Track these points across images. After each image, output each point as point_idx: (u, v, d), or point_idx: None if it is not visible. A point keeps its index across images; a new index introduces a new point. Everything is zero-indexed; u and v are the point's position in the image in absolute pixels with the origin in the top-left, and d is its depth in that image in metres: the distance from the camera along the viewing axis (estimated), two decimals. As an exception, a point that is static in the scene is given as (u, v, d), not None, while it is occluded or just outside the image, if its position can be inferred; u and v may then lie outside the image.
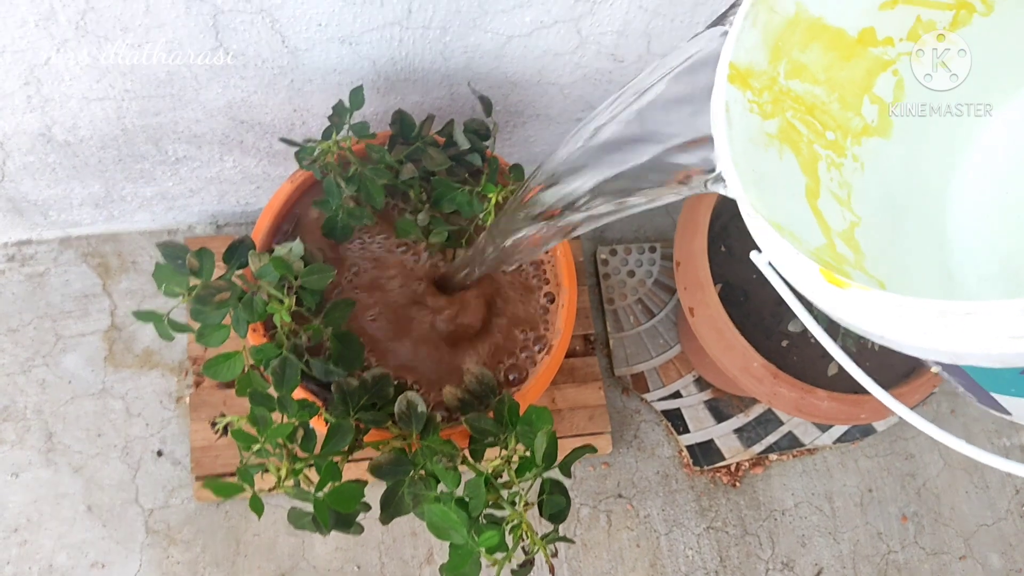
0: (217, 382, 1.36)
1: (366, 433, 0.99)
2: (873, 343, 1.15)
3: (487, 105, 1.11)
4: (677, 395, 1.48)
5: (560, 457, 0.94)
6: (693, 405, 1.48)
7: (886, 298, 0.52)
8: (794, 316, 1.13)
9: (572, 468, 1.28)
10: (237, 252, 1.02)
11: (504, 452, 0.88)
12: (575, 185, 0.81)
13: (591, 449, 0.98)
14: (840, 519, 1.47)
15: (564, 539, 0.90)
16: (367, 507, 0.93)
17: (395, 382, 0.99)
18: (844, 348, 1.13)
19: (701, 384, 1.49)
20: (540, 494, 0.92)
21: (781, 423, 1.48)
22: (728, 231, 1.31)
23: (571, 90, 1.22)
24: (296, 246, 1.05)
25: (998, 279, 0.68)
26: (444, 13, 1.01)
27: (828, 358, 1.24)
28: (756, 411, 1.48)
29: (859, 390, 1.19)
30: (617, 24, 1.08)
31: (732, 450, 1.46)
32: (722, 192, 0.63)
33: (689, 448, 1.45)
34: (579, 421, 1.40)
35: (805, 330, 1.16)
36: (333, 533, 1.28)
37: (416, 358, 1.08)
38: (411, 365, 1.08)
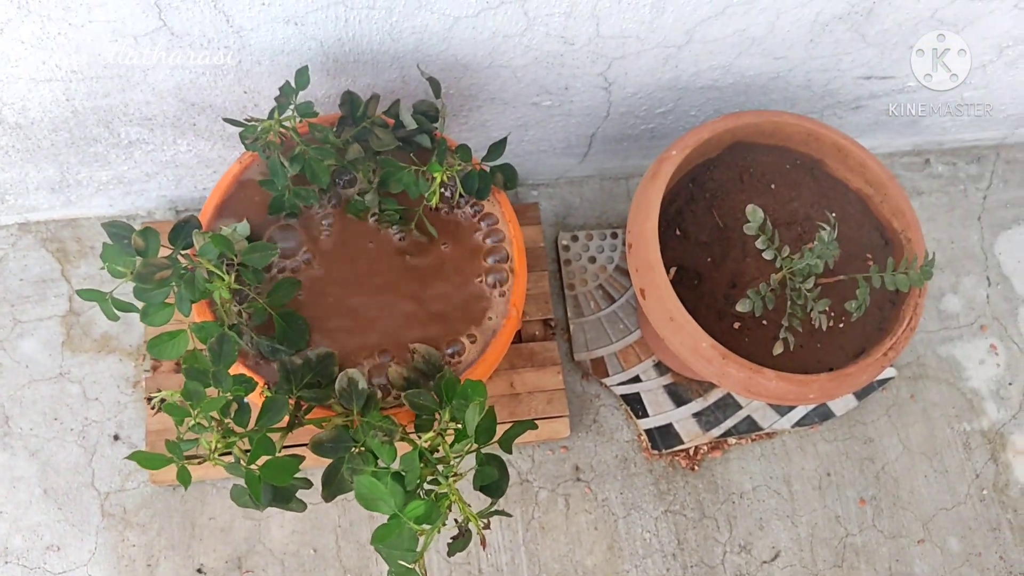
0: (174, 366, 1.36)
1: (309, 411, 0.99)
2: (822, 325, 1.16)
3: (436, 86, 1.12)
4: (637, 380, 1.48)
5: (516, 438, 0.95)
6: (652, 389, 1.48)
7: None
8: (743, 297, 1.13)
9: (531, 452, 1.29)
10: (183, 232, 1.02)
11: (438, 426, 0.89)
12: None
13: (531, 425, 0.98)
14: (798, 502, 1.48)
15: (501, 513, 0.91)
16: (307, 483, 0.94)
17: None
18: (791, 329, 1.14)
19: (661, 369, 1.49)
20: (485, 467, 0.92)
21: (740, 407, 1.49)
22: (683, 215, 1.31)
23: (524, 73, 1.22)
24: (242, 226, 1.05)
25: None
26: (387, -7, 1.01)
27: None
28: (715, 395, 1.49)
29: (808, 370, 1.20)
30: (564, 5, 1.09)
31: (691, 434, 1.46)
32: None
33: (648, 432, 1.46)
34: (537, 405, 1.40)
35: (760, 312, 1.16)
36: (289, 516, 1.29)
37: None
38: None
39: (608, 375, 1.48)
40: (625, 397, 1.48)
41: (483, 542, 0.83)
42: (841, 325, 1.27)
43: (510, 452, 0.97)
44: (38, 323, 1.39)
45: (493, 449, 0.95)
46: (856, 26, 1.25)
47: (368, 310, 1.10)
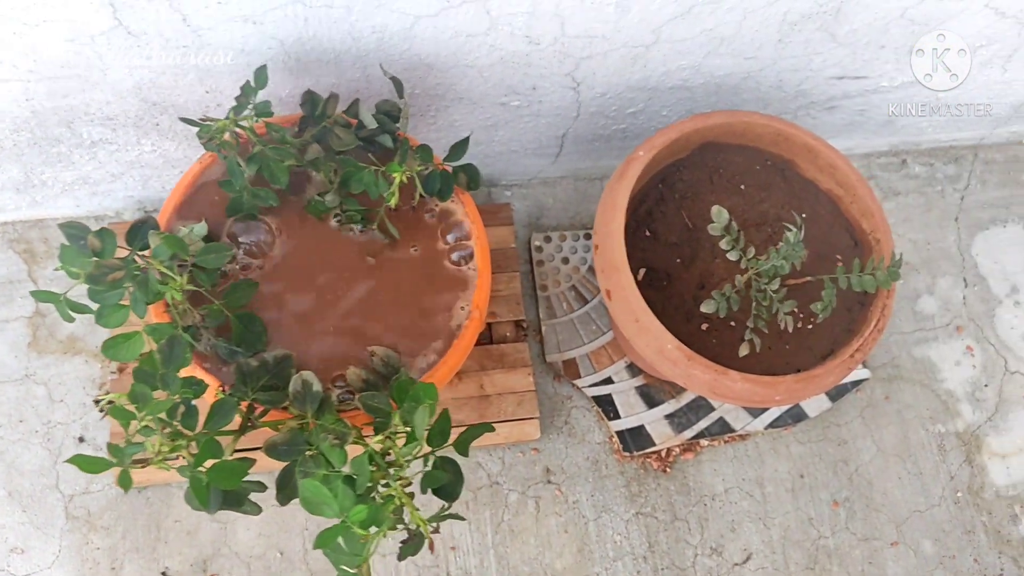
0: (141, 367, 1.35)
1: (265, 413, 0.99)
2: (788, 326, 1.15)
3: (398, 86, 1.11)
4: (608, 381, 1.47)
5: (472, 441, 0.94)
6: (624, 391, 1.47)
7: None
8: (708, 298, 1.13)
9: (502, 454, 1.28)
10: (140, 232, 1.01)
11: (389, 430, 0.88)
12: None
13: (488, 428, 0.97)
14: (771, 504, 1.47)
15: (453, 516, 0.90)
16: (260, 487, 0.93)
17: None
18: (756, 330, 1.13)
19: (633, 370, 1.49)
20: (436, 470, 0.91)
21: (712, 409, 1.48)
22: (652, 216, 1.31)
23: (490, 73, 1.21)
24: (199, 227, 1.04)
25: None
26: (344, -9, 1.00)
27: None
28: (687, 397, 1.48)
29: (774, 371, 1.19)
30: (527, 5, 1.08)
31: (663, 436, 1.45)
32: None
33: (619, 434, 1.45)
34: (507, 407, 1.39)
35: (725, 313, 1.15)
36: (256, 519, 1.28)
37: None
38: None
39: (580, 376, 1.48)
40: (597, 399, 1.47)
41: (431, 546, 0.83)
42: (810, 326, 1.26)
43: (466, 455, 0.96)
44: (4, 324, 1.38)
45: (449, 452, 0.94)
46: (825, 26, 1.24)
47: (328, 311, 1.09)
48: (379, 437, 0.86)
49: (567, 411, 1.47)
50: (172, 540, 1.31)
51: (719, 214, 1.14)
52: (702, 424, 1.47)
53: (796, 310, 1.24)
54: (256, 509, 0.93)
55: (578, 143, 1.47)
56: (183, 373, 1.02)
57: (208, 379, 1.01)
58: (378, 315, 1.09)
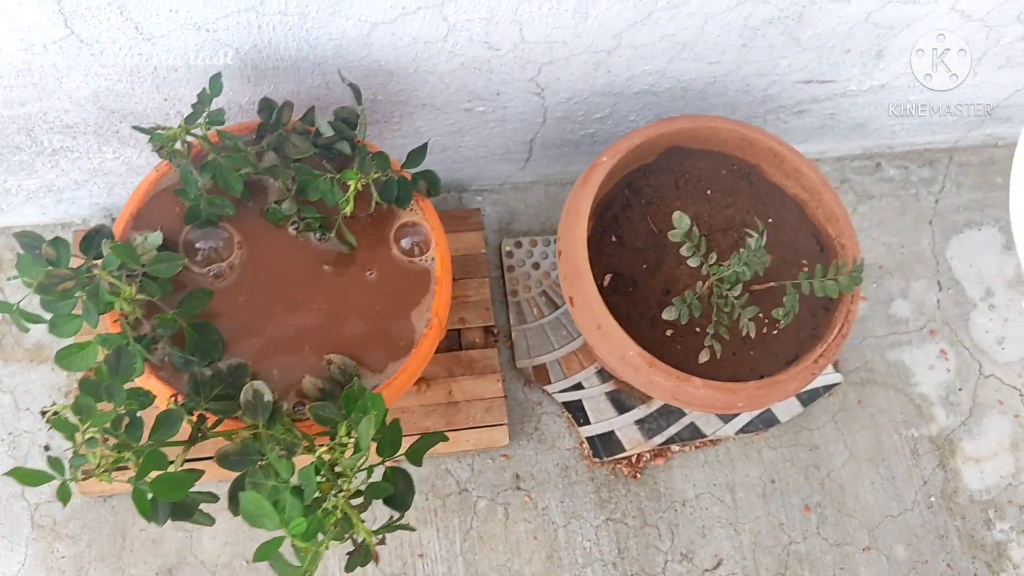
0: (107, 375, 1.35)
1: (219, 423, 0.98)
2: (750, 332, 1.15)
3: (357, 93, 1.11)
4: (579, 387, 1.47)
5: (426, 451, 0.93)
6: (595, 396, 1.47)
7: None
8: (669, 304, 1.12)
9: (471, 461, 1.28)
10: (94, 241, 1.01)
11: (336, 440, 0.87)
12: None
13: (441, 437, 0.97)
14: (742, 510, 1.46)
15: (403, 527, 0.89)
16: (212, 497, 0.93)
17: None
18: (717, 336, 1.12)
19: (603, 376, 1.48)
20: (384, 481, 0.91)
21: (683, 414, 1.48)
22: (619, 221, 1.30)
23: (451, 79, 1.21)
24: (153, 236, 1.04)
25: None
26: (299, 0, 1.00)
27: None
28: (658, 402, 1.47)
29: (739, 377, 1.19)
30: (483, 11, 1.07)
31: (633, 441, 1.45)
32: None
33: (589, 440, 1.45)
34: (476, 413, 1.39)
35: (687, 321, 1.15)
36: (222, 527, 1.28)
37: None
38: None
39: (550, 382, 1.47)
40: (567, 404, 1.46)
41: (375, 558, 0.82)
42: (775, 332, 1.26)
43: (419, 464, 0.95)
44: (-30, 332, 1.38)
45: (406, 462, 0.94)
46: (788, 30, 1.23)
47: (286, 320, 1.08)
48: (323, 448, 0.85)
49: (537, 417, 1.47)
50: (137, 549, 1.31)
51: (680, 220, 1.14)
52: (673, 429, 1.46)
53: (761, 316, 1.23)
54: (209, 520, 0.93)
55: (547, 148, 1.47)
56: (138, 383, 1.02)
57: (163, 389, 1.01)
58: (337, 323, 1.09)
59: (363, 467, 0.84)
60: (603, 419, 1.46)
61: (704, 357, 1.14)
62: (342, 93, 1.20)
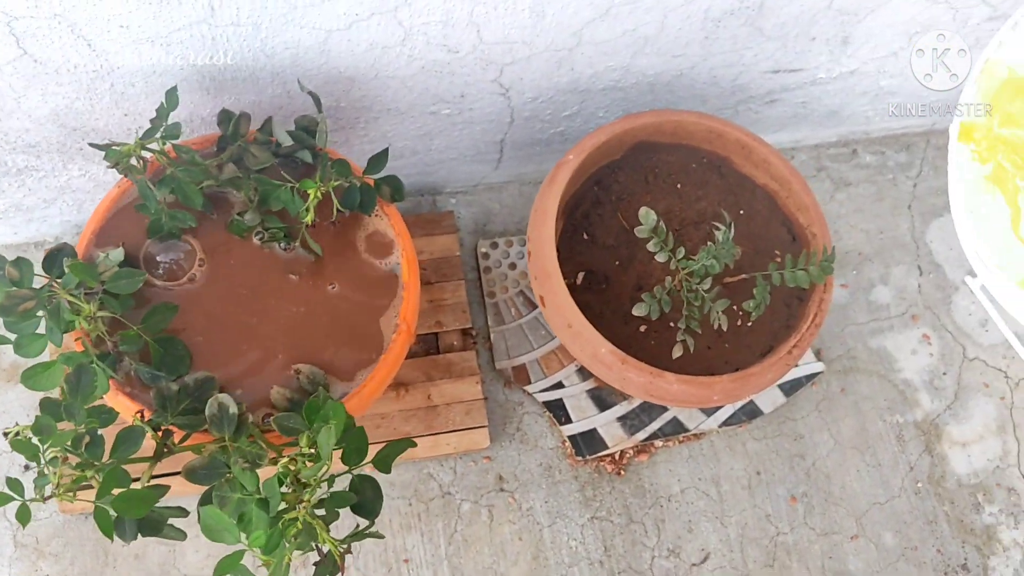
0: (84, 393, 1.35)
1: (187, 438, 0.98)
2: (722, 325, 1.14)
3: (316, 101, 1.11)
4: (559, 385, 1.47)
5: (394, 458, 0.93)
6: (575, 395, 1.46)
7: None
8: (639, 301, 1.12)
9: (453, 464, 1.27)
10: (56, 260, 1.01)
11: (297, 451, 0.87)
12: None
13: (409, 443, 0.97)
14: (727, 503, 1.46)
15: (372, 535, 0.89)
16: (181, 512, 0.92)
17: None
18: (689, 331, 1.12)
19: (583, 374, 1.48)
20: (350, 491, 0.91)
21: (665, 409, 1.47)
22: (589, 219, 1.30)
23: (413, 83, 1.21)
24: (115, 252, 1.04)
25: None
26: (250, 9, 0.99)
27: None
28: (639, 399, 1.47)
29: (714, 371, 1.18)
30: (439, 14, 1.07)
31: (615, 438, 1.44)
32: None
33: (572, 438, 1.44)
34: (456, 416, 1.39)
35: (659, 316, 1.15)
36: (205, 540, 1.27)
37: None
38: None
39: (530, 382, 1.47)
40: (548, 404, 1.46)
41: (341, 568, 0.82)
42: (749, 324, 1.25)
43: (388, 471, 0.95)
44: (-53, 355, 1.38)
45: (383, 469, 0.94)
46: (750, 20, 1.23)
47: (254, 331, 1.08)
48: (285, 459, 0.85)
49: (519, 417, 1.47)
50: (120, 565, 1.31)
51: (647, 216, 1.13)
52: (655, 425, 1.46)
53: (735, 308, 1.23)
54: (180, 534, 0.93)
55: (518, 148, 1.47)
56: (107, 399, 1.01)
57: (130, 405, 1.01)
58: (305, 332, 1.09)
59: (325, 477, 0.84)
60: (585, 417, 1.45)
61: (677, 352, 1.14)
62: (304, 101, 1.19)
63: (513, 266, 1.53)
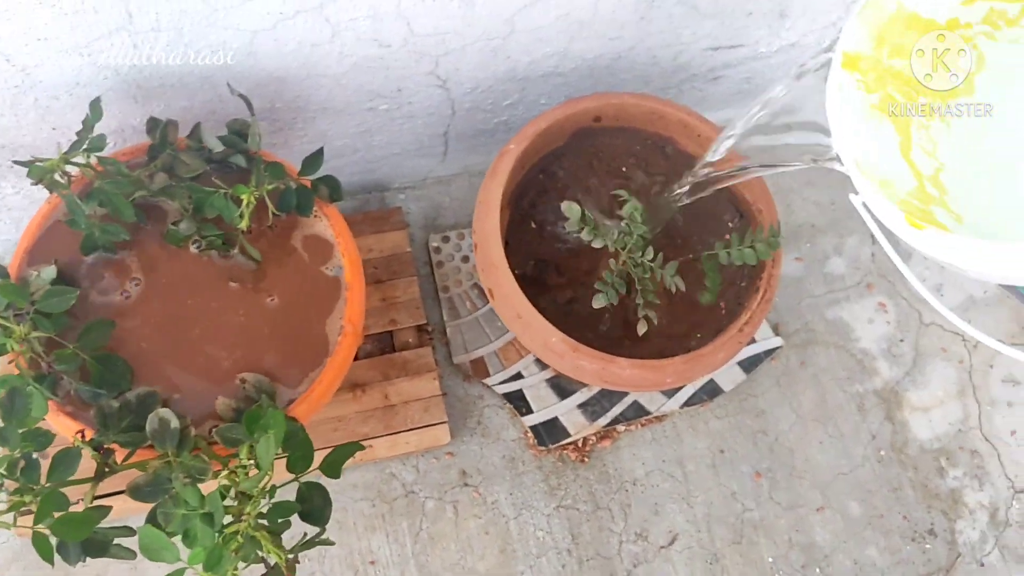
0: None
1: (131, 455, 0.96)
2: (678, 287, 1.14)
3: (247, 103, 1.08)
4: (518, 376, 1.46)
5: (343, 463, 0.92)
6: (535, 385, 1.46)
7: (948, 238, 0.74)
8: (590, 287, 1.11)
9: (415, 462, 1.26)
10: (-14, 282, 0.98)
11: (236, 462, 0.86)
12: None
13: (358, 447, 0.96)
14: (692, 483, 1.46)
15: (322, 543, 0.88)
16: (127, 531, 0.91)
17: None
18: (648, 304, 1.11)
19: (541, 363, 1.47)
20: (297, 499, 0.89)
21: (626, 393, 1.47)
22: (536, 208, 1.29)
23: (347, 80, 1.19)
24: (47, 271, 1.02)
25: None
26: (169, 14, 0.97)
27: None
28: (598, 384, 1.46)
29: (664, 354, 1.18)
30: (366, 9, 1.05)
31: (577, 425, 1.44)
32: (838, 168, 0.89)
33: (533, 428, 1.44)
34: (414, 414, 1.37)
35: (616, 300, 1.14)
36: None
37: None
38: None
39: (489, 375, 1.46)
40: (508, 395, 1.45)
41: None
42: (701, 303, 1.25)
43: (337, 476, 0.94)
44: None
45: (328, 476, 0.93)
46: (685, -1, 1.22)
47: (197, 341, 1.06)
48: (225, 472, 0.84)
49: (479, 411, 1.46)
50: (80, 586, 1.29)
51: (570, 209, 1.12)
52: (616, 410, 1.46)
53: (685, 290, 1.22)
54: (129, 554, 0.91)
55: (462, 139, 1.45)
56: (48, 420, 0.99)
57: (72, 425, 0.99)
58: (248, 340, 1.07)
59: (266, 488, 0.83)
60: (545, 406, 1.45)
61: (643, 328, 1.13)
62: (238, 104, 1.17)
63: (466, 259, 1.52)
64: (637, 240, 1.11)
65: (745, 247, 1.15)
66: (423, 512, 1.38)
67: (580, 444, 1.45)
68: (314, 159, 1.09)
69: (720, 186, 1.14)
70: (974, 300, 1.65)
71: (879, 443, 1.53)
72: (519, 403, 1.45)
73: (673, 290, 1.14)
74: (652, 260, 1.13)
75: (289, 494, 0.92)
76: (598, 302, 1.12)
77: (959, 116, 0.90)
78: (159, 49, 1.02)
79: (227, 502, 0.87)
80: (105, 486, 0.95)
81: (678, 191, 1.18)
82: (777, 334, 1.56)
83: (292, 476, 0.92)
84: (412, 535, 1.37)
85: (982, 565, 1.48)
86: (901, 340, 1.60)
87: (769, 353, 1.54)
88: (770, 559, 1.43)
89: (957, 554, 1.48)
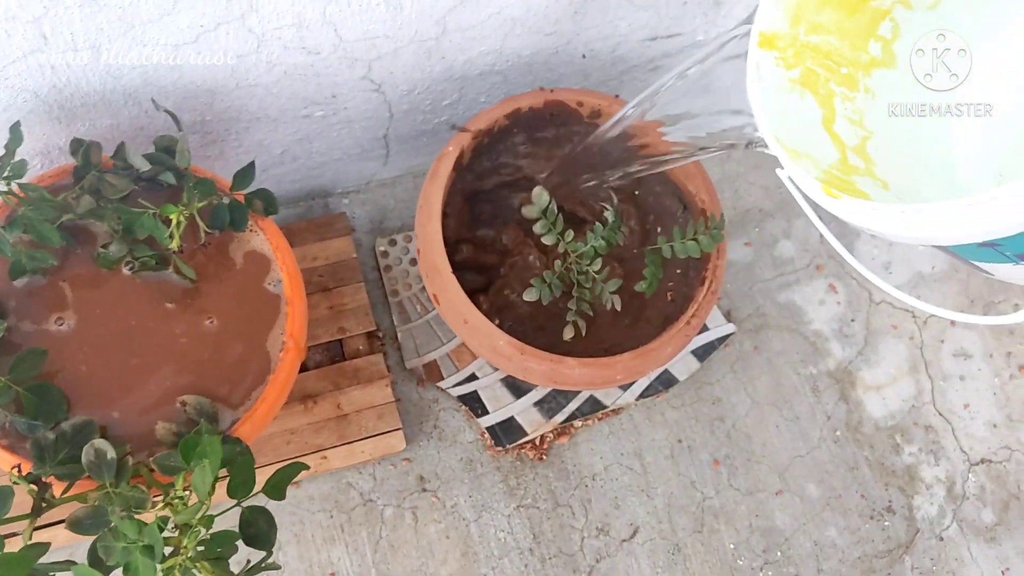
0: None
1: (70, 487, 0.94)
2: (614, 305, 1.13)
3: (175, 119, 1.06)
4: (473, 378, 1.45)
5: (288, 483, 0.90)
6: (490, 385, 1.45)
7: (864, 205, 0.75)
8: (530, 286, 1.10)
9: (372, 471, 1.24)
10: (-92, 317, 0.95)
11: (173, 492, 0.84)
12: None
13: (300, 467, 0.94)
14: (652, 475, 1.46)
15: (268, 567, 0.86)
16: (65, 566, 0.89)
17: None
18: (580, 312, 1.11)
19: (495, 363, 1.46)
20: (240, 524, 0.88)
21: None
22: (478, 209, 1.28)
23: (279, 89, 1.16)
24: (-29, 302, 0.98)
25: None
26: (85, 33, 0.94)
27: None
28: (553, 381, 1.46)
29: (611, 352, 1.17)
30: (290, 17, 1.03)
31: (534, 424, 1.43)
32: (763, 150, 0.89)
33: (490, 429, 1.43)
34: (367, 423, 1.36)
35: (551, 300, 1.13)
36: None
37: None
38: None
39: (443, 378, 1.45)
40: (463, 397, 1.44)
41: (232, 608, 0.79)
42: (648, 298, 1.24)
43: (281, 499, 0.92)
44: None
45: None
46: (618, -9, 1.21)
47: (134, 365, 1.04)
48: (160, 504, 0.82)
49: (435, 415, 1.45)
50: (33, 617, 1.26)
51: (539, 196, 1.12)
52: (572, 406, 1.45)
53: (631, 285, 1.22)
54: (71, 588, 0.89)
55: (404, 141, 1.43)
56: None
57: (9, 459, 0.96)
58: (188, 361, 1.05)
59: (203, 518, 0.81)
60: (501, 406, 1.44)
61: (568, 334, 1.13)
62: (166, 119, 1.14)
63: (414, 262, 1.50)
64: (589, 249, 1.11)
65: (688, 240, 1.15)
66: (382, 520, 1.37)
67: (538, 442, 1.45)
68: (245, 173, 1.06)
69: (651, 172, 1.14)
70: (923, 276, 1.67)
71: (834, 424, 1.54)
72: (474, 404, 1.44)
73: (608, 307, 1.14)
74: (599, 272, 1.13)
75: (235, 516, 0.91)
76: (529, 295, 1.12)
77: (884, 85, 0.92)
78: (78, 70, 0.99)
79: (169, 532, 0.85)
80: (55, 513, 0.93)
81: (610, 178, 1.18)
82: (730, 320, 1.56)
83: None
84: (372, 544, 1.36)
85: (941, 539, 1.49)
86: (852, 320, 1.61)
87: (722, 340, 1.54)
88: (732, 546, 1.44)
89: (916, 530, 1.49)
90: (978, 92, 0.92)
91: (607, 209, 1.14)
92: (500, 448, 1.43)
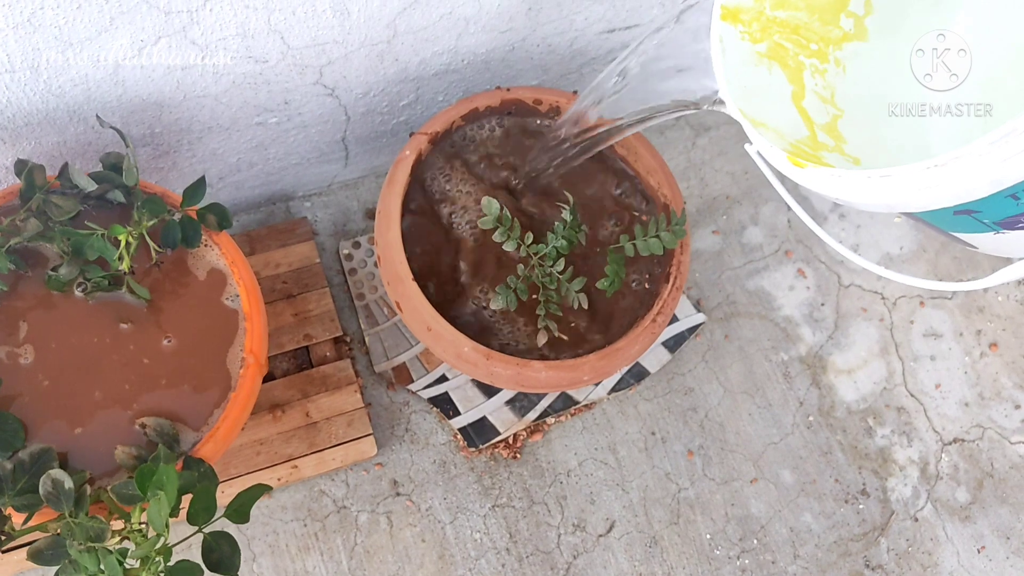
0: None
1: (31, 517, 0.92)
2: (580, 304, 1.12)
3: (122, 135, 1.04)
4: (443, 379, 1.44)
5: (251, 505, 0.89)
6: (460, 386, 1.44)
7: (830, 172, 0.74)
8: (496, 294, 1.09)
9: (345, 477, 1.23)
10: None
11: (129, 524, 0.82)
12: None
13: (265, 488, 0.93)
14: (626, 468, 1.46)
15: (232, 594, 0.85)
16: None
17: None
18: (549, 315, 1.10)
19: (465, 363, 1.45)
20: (203, 551, 0.87)
21: (552, 386, 1.45)
22: (439, 212, 1.26)
23: (228, 98, 1.14)
24: (-81, 332, 0.96)
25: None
26: (22, 54, 0.92)
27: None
28: (524, 379, 1.45)
29: (578, 354, 1.16)
30: (233, 27, 1.00)
31: (506, 422, 1.43)
32: (723, 110, 0.86)
33: (462, 430, 1.42)
34: (337, 430, 1.35)
35: (517, 306, 1.12)
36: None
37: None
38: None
39: (413, 380, 1.43)
40: (434, 399, 1.43)
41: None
42: (612, 296, 1.23)
43: (245, 521, 0.91)
44: None
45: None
46: (571, -14, 1.19)
47: (92, 389, 1.02)
48: (116, 539, 0.81)
49: (406, 418, 1.43)
50: (5, 642, 1.25)
51: (489, 205, 1.10)
52: (544, 403, 1.44)
53: (585, 307, 1.19)
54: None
55: (363, 143, 1.41)
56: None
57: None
58: (146, 383, 1.03)
59: (161, 552, 0.80)
60: (473, 407, 1.43)
61: (542, 339, 1.12)
62: (114, 135, 1.12)
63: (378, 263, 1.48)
64: (551, 251, 1.10)
65: (650, 237, 1.14)
66: (356, 526, 1.36)
67: (511, 441, 1.44)
68: (196, 188, 1.04)
69: (601, 146, 1.14)
70: (891, 257, 1.67)
71: (807, 409, 1.54)
72: (446, 406, 1.43)
73: (575, 306, 1.13)
74: (562, 272, 1.11)
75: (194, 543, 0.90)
76: (495, 303, 1.11)
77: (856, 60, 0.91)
78: (17, 90, 0.97)
79: (130, 562, 0.84)
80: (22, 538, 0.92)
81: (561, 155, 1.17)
82: (699, 310, 1.56)
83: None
84: (347, 551, 1.35)
85: (916, 520, 1.50)
86: (822, 304, 1.61)
87: (693, 330, 1.54)
88: (708, 536, 1.44)
89: (891, 512, 1.50)
90: (978, 92, 0.91)
91: (563, 208, 1.12)
92: (473, 449, 1.42)
